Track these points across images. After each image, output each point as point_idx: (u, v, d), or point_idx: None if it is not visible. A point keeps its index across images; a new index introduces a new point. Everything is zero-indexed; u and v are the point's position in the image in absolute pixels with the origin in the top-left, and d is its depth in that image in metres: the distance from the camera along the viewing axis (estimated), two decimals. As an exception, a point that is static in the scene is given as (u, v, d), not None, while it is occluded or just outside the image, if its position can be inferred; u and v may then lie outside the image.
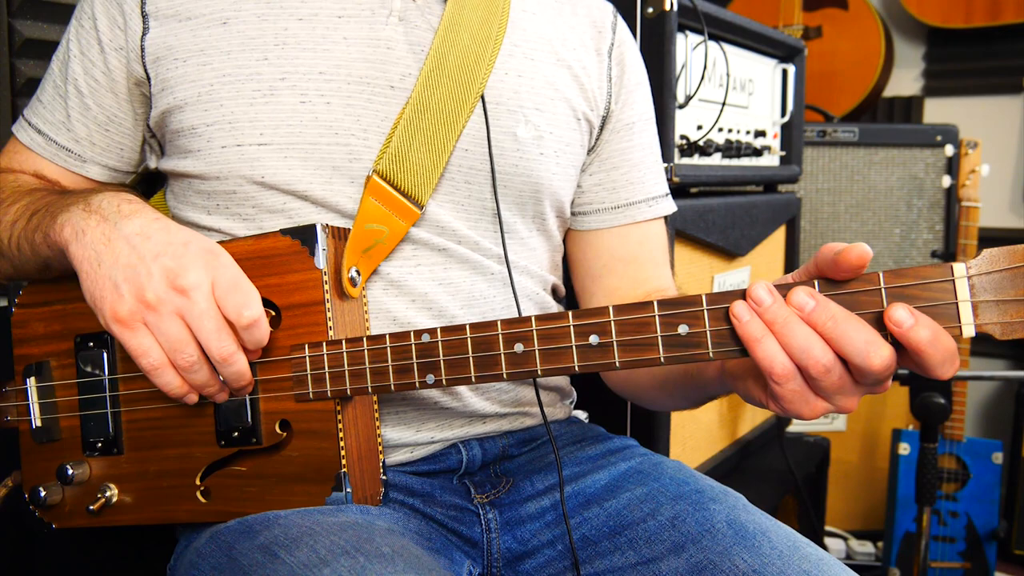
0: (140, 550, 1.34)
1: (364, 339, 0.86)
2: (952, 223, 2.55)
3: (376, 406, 0.94)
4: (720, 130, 1.79)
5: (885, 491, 2.61)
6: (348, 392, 0.87)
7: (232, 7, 0.97)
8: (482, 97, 1.00)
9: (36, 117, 1.06)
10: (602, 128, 1.13)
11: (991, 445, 2.53)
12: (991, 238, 2.89)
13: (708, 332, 0.74)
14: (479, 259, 1.03)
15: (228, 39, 0.96)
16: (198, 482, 0.94)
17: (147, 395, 0.95)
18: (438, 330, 0.83)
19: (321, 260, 0.88)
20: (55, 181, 1.07)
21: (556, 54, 1.08)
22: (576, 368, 0.78)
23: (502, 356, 0.80)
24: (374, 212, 0.95)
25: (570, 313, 0.78)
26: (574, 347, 0.78)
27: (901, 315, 0.68)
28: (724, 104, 1.74)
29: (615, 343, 0.76)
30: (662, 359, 0.75)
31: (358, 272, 0.92)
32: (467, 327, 0.82)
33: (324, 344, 0.87)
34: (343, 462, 0.88)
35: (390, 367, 0.85)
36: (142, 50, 0.98)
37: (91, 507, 0.98)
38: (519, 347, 0.80)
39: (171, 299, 0.83)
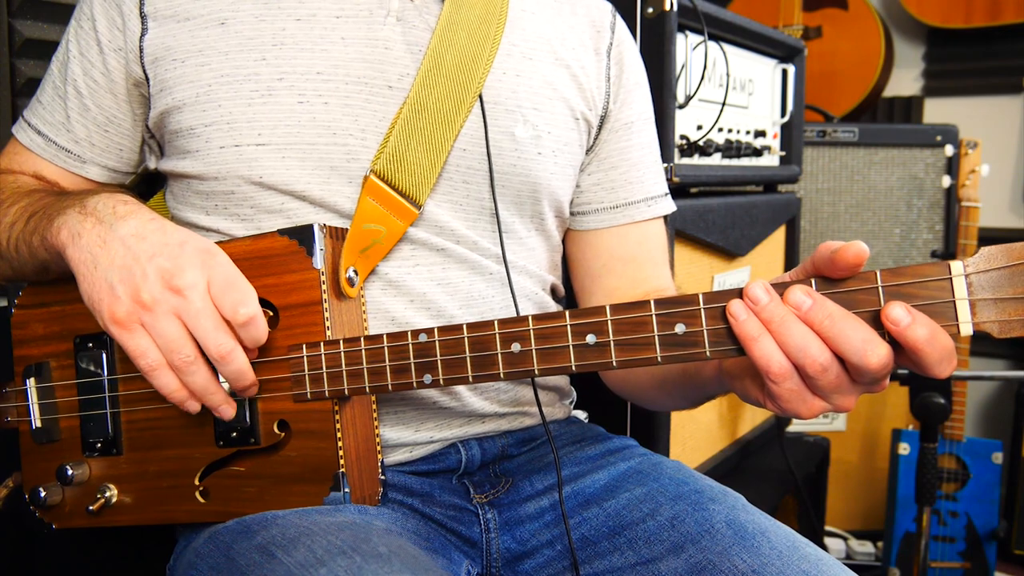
0: (140, 550, 1.34)
1: (362, 339, 0.86)
2: (952, 223, 2.55)
3: (374, 406, 0.94)
4: (720, 130, 1.79)
5: (885, 491, 2.61)
6: (346, 392, 0.87)
7: (230, 8, 0.97)
8: (480, 97, 1.00)
9: (36, 118, 1.07)
10: (600, 128, 1.13)
11: (991, 445, 2.53)
12: (991, 238, 2.89)
13: (705, 331, 0.74)
14: (477, 259, 1.03)
15: (226, 39, 0.96)
16: (197, 482, 0.94)
17: (146, 396, 0.95)
18: (435, 330, 0.83)
19: (319, 260, 0.88)
20: (54, 182, 1.07)
21: (555, 54, 1.08)
22: (573, 368, 0.78)
23: (499, 356, 0.80)
24: (372, 212, 0.95)
25: (567, 312, 0.78)
26: (571, 347, 0.78)
27: (898, 313, 0.67)
28: (724, 104, 1.74)
29: (612, 342, 0.76)
30: (659, 358, 0.75)
31: (356, 272, 0.92)
32: (464, 327, 0.82)
33: (322, 344, 0.87)
34: (341, 462, 0.88)
35: (387, 367, 0.85)
36: (141, 51, 0.99)
37: (91, 507, 0.98)
38: (516, 347, 0.80)
39: (167, 299, 0.83)
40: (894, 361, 0.70)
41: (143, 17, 0.98)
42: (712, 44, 1.70)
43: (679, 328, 0.74)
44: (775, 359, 0.71)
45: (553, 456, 1.06)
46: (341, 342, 0.86)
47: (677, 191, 1.52)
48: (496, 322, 0.80)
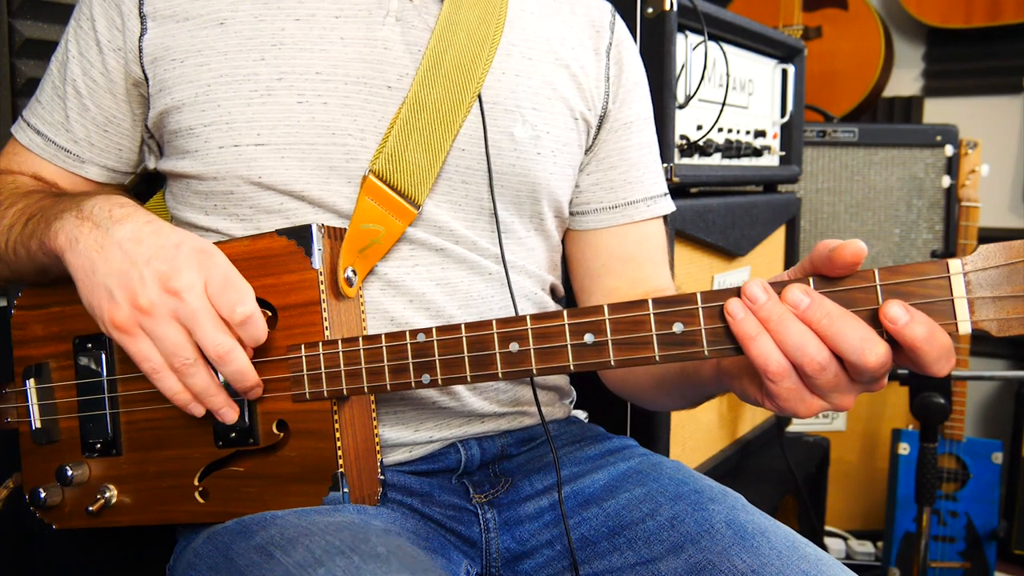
0: (140, 550, 1.34)
1: (360, 339, 0.86)
2: (952, 223, 2.55)
3: (373, 406, 0.94)
4: (720, 130, 1.79)
5: (885, 491, 2.61)
6: (344, 392, 0.87)
7: (229, 8, 0.97)
8: (479, 97, 1.00)
9: (35, 118, 1.07)
10: (600, 128, 1.13)
11: (991, 445, 2.53)
12: (991, 238, 2.88)
13: (703, 330, 0.74)
14: (477, 259, 1.03)
15: (225, 39, 0.96)
16: (196, 483, 0.94)
17: (146, 396, 0.95)
18: (433, 330, 0.83)
19: (317, 260, 0.88)
20: (53, 182, 1.07)
21: (554, 53, 1.08)
22: (571, 367, 0.78)
23: (497, 355, 0.80)
24: (370, 212, 0.95)
25: (565, 312, 0.78)
26: (569, 346, 0.78)
27: (896, 312, 0.67)
28: (724, 104, 1.74)
29: (610, 342, 0.76)
30: (657, 357, 0.75)
31: (354, 272, 0.92)
32: (462, 327, 0.82)
33: (320, 344, 0.87)
34: (340, 462, 0.88)
35: (386, 367, 0.85)
36: (140, 51, 0.99)
37: (90, 508, 0.98)
38: (514, 346, 0.80)
39: (164, 302, 0.83)
40: (893, 360, 0.70)
41: (142, 17, 0.98)
42: (712, 44, 1.70)
43: (677, 327, 0.74)
44: (773, 358, 0.71)
45: (552, 456, 1.06)
46: (339, 342, 0.86)
47: (677, 191, 1.52)
48: (494, 322, 0.80)
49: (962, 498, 2.52)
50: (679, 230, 1.62)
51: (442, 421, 1.03)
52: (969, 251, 2.40)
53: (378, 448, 0.94)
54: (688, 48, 1.62)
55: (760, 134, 1.97)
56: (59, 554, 1.35)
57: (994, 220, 3.13)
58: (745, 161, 1.90)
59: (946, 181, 2.54)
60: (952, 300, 0.68)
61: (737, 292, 0.72)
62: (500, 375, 0.80)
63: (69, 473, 0.99)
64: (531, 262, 1.10)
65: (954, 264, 0.67)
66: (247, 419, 0.90)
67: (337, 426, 0.88)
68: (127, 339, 0.84)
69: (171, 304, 0.83)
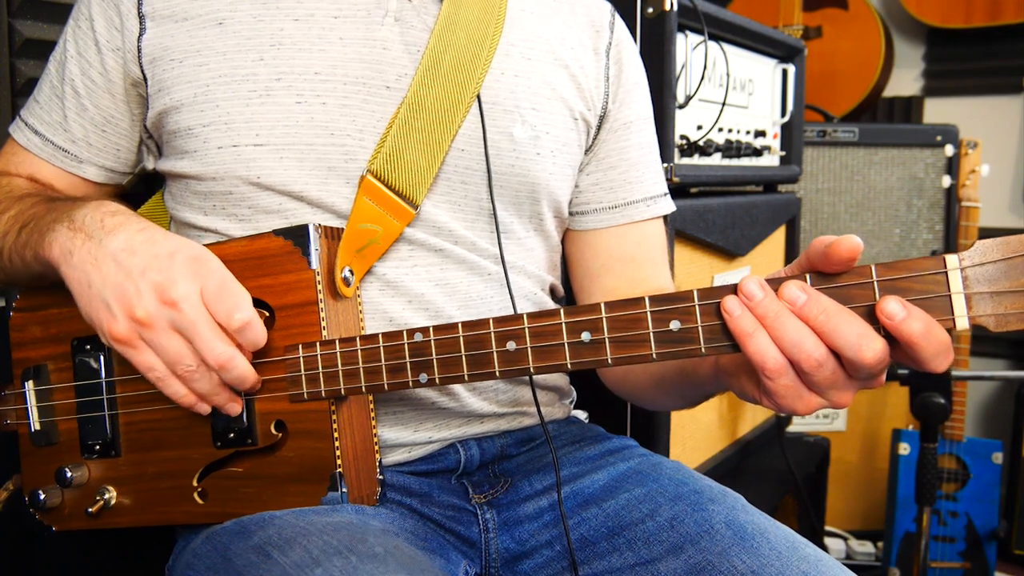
0: (139, 551, 1.34)
1: (357, 339, 0.86)
2: (952, 223, 2.55)
3: (372, 406, 0.94)
4: (720, 130, 1.79)
5: (885, 491, 2.61)
6: (342, 392, 0.87)
7: (228, 8, 0.97)
8: (478, 97, 1.00)
9: (33, 117, 1.06)
10: (599, 128, 1.13)
11: (991, 445, 2.53)
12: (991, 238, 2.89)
13: (700, 328, 0.73)
14: (476, 259, 1.03)
15: (224, 40, 0.96)
16: (195, 483, 0.94)
17: (144, 397, 0.95)
18: (430, 329, 0.83)
19: (314, 260, 0.88)
20: (48, 184, 1.07)
21: (554, 53, 1.08)
22: (569, 365, 0.78)
23: (494, 354, 0.80)
24: (368, 212, 0.95)
25: (562, 310, 0.77)
26: (566, 344, 0.77)
27: (893, 308, 0.67)
28: (724, 104, 1.74)
29: (607, 340, 0.76)
30: (654, 355, 0.75)
31: (352, 272, 0.92)
32: (459, 325, 0.82)
33: (318, 344, 0.87)
34: (338, 462, 0.88)
35: (383, 367, 0.85)
36: (139, 51, 0.98)
37: (90, 509, 0.98)
38: (511, 345, 0.79)
39: (162, 314, 0.83)
40: (890, 356, 0.69)
41: (141, 17, 0.98)
42: (712, 44, 1.70)
43: (674, 325, 0.74)
44: (770, 355, 0.71)
45: (552, 457, 1.06)
46: (337, 342, 0.86)
47: (677, 191, 1.52)
48: (491, 320, 0.80)
49: (962, 498, 2.52)
50: (679, 230, 1.62)
51: (441, 422, 1.03)
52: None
53: (377, 448, 0.94)
54: (688, 48, 1.62)
55: (760, 134, 1.97)
56: (59, 555, 1.35)
57: (994, 220, 3.13)
58: (745, 161, 1.90)
59: (946, 181, 2.54)
60: (949, 296, 0.67)
61: (734, 289, 0.72)
62: (497, 374, 0.80)
63: (68, 475, 0.99)
64: (530, 262, 1.10)
65: (951, 259, 0.67)
66: (245, 419, 0.90)
67: (335, 426, 0.88)
68: (130, 351, 0.85)
69: (168, 315, 0.83)
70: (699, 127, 1.71)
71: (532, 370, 0.79)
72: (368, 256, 0.95)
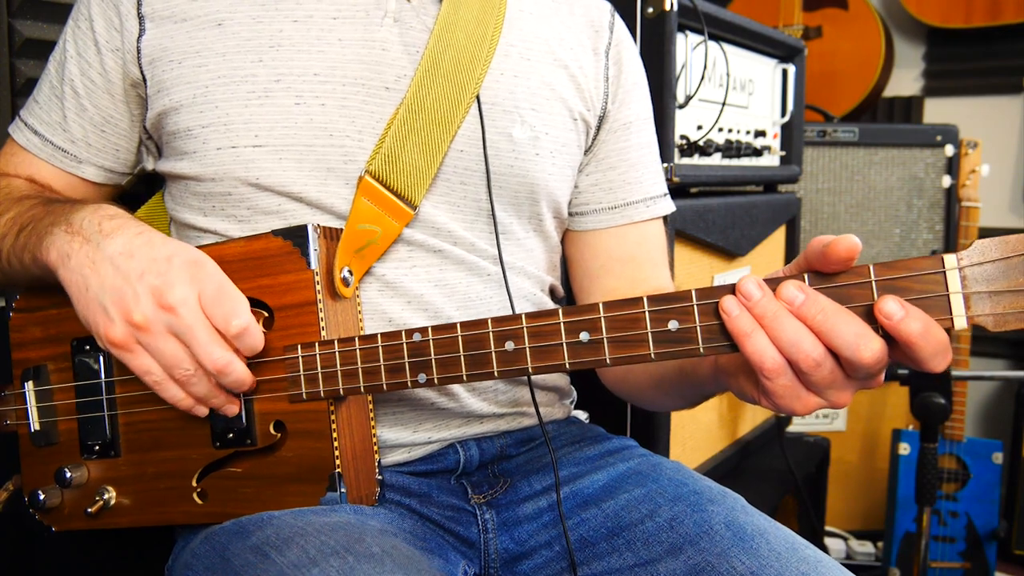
0: (139, 551, 1.34)
1: (356, 339, 0.86)
2: (952, 223, 2.55)
3: (371, 406, 0.94)
4: (720, 130, 1.79)
5: (885, 491, 2.61)
6: (341, 392, 0.87)
7: (227, 9, 0.97)
8: (477, 97, 1.00)
9: (32, 117, 1.06)
10: (599, 128, 1.13)
11: (991, 445, 2.53)
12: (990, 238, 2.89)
13: (698, 327, 0.73)
14: (475, 260, 1.03)
15: (223, 41, 0.96)
16: (194, 483, 0.94)
17: (143, 397, 0.95)
18: (429, 329, 0.83)
19: (313, 261, 0.88)
20: (47, 184, 1.07)
21: (553, 54, 1.08)
22: (567, 365, 0.78)
23: (493, 354, 0.80)
24: (366, 212, 0.95)
25: (560, 310, 0.77)
26: (564, 344, 0.77)
27: (891, 307, 0.67)
28: (724, 104, 1.74)
29: (605, 339, 0.76)
30: (652, 355, 0.75)
31: (351, 272, 0.92)
32: (458, 325, 0.82)
33: (316, 344, 0.87)
34: (337, 462, 0.88)
35: (382, 367, 0.85)
36: (138, 51, 0.98)
37: (89, 510, 0.98)
38: (510, 345, 0.79)
39: (159, 318, 0.83)
40: (889, 356, 0.69)
41: (141, 18, 0.98)
42: (712, 44, 1.70)
43: (672, 325, 0.74)
44: (768, 355, 0.71)
45: (551, 457, 1.06)
46: (336, 342, 0.86)
47: (677, 191, 1.52)
48: (490, 320, 0.80)
49: (962, 498, 2.52)
50: (679, 230, 1.62)
51: (441, 422, 1.03)
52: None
53: (376, 448, 0.94)
54: (688, 48, 1.62)
55: (760, 134, 1.97)
56: (59, 555, 1.35)
57: (994, 220, 3.13)
58: (745, 161, 1.90)
59: (946, 181, 2.54)
60: (948, 295, 0.67)
61: (732, 289, 0.72)
62: (496, 374, 0.80)
63: (68, 475, 0.99)
64: (530, 263, 1.10)
65: (949, 259, 0.67)
66: (244, 420, 0.90)
67: (334, 426, 0.88)
68: (126, 355, 0.85)
69: (166, 319, 0.83)
70: (699, 127, 1.71)
71: (531, 370, 0.79)
72: (367, 256, 0.95)
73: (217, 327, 0.84)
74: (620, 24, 1.17)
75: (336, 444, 0.88)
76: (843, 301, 0.70)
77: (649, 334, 0.75)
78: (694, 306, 0.73)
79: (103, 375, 0.98)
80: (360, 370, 0.86)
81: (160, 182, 1.10)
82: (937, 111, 3.33)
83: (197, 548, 0.90)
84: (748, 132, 1.92)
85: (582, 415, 1.37)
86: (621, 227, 1.15)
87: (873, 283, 0.69)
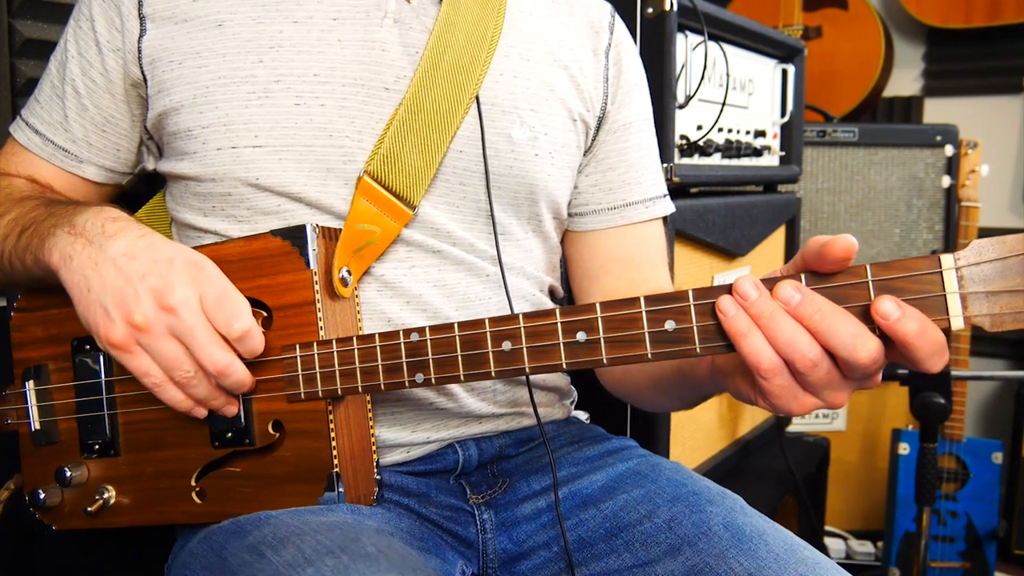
0: (139, 550, 1.34)
1: (354, 339, 0.86)
2: (952, 223, 2.55)
3: (369, 406, 0.94)
4: (720, 130, 1.79)
5: (885, 491, 2.61)
6: (339, 392, 0.87)
7: (228, 10, 0.97)
8: (477, 98, 1.00)
9: (33, 117, 1.07)
10: (598, 129, 1.13)
11: (991, 445, 2.53)
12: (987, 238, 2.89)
13: (695, 328, 0.73)
14: (474, 261, 1.03)
15: (223, 41, 0.96)
16: (193, 483, 0.94)
17: (143, 397, 0.95)
18: (426, 329, 0.83)
19: (311, 261, 0.88)
20: (48, 184, 1.07)
21: (553, 55, 1.08)
22: (564, 365, 0.78)
23: (490, 354, 0.80)
24: (365, 212, 0.95)
25: (557, 310, 0.78)
26: (562, 344, 0.77)
27: (888, 307, 0.67)
28: (724, 104, 1.74)
29: (602, 339, 0.76)
30: (649, 355, 0.75)
31: (349, 272, 0.92)
32: (455, 325, 0.82)
33: (315, 344, 0.87)
34: (335, 462, 0.88)
35: (380, 367, 0.85)
36: (139, 52, 0.99)
37: (89, 509, 0.98)
38: (507, 345, 0.79)
39: (160, 319, 0.83)
40: (885, 356, 0.69)
41: (142, 18, 0.98)
42: (712, 44, 1.70)
43: (669, 325, 0.74)
44: (765, 355, 0.70)
45: (549, 457, 1.06)
46: (334, 342, 0.87)
47: (677, 191, 1.52)
48: (487, 320, 0.80)
49: (962, 498, 2.52)
50: (679, 230, 1.62)
51: (440, 422, 1.03)
52: (967, 250, 2.41)
53: (374, 448, 0.94)
54: (688, 48, 1.63)
55: (760, 134, 1.97)
56: (59, 554, 1.35)
57: (994, 220, 3.13)
58: (745, 161, 1.90)
59: (946, 181, 2.54)
60: (944, 295, 0.67)
61: (729, 289, 0.72)
62: (493, 374, 0.80)
63: (68, 474, 0.99)
64: (529, 263, 1.10)
65: (946, 259, 0.67)
66: (243, 419, 0.90)
67: (332, 426, 0.88)
68: (126, 356, 0.85)
69: (167, 321, 0.83)
70: (699, 127, 1.71)
71: (528, 370, 0.79)
72: (366, 257, 0.95)
73: (219, 330, 0.84)
74: (620, 25, 1.17)
75: (334, 444, 0.88)
76: (840, 301, 0.69)
77: (646, 334, 0.74)
78: (691, 306, 0.73)
79: (103, 375, 0.98)
80: (358, 370, 0.86)
81: (161, 182, 1.10)
82: (937, 111, 3.33)
83: (195, 548, 0.90)
84: (748, 132, 1.92)
85: (582, 415, 1.37)
86: (620, 228, 1.15)
87: (870, 283, 0.69)
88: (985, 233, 2.53)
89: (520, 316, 0.79)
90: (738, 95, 1.86)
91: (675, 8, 1.53)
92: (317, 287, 0.88)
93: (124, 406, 0.98)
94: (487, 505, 1.05)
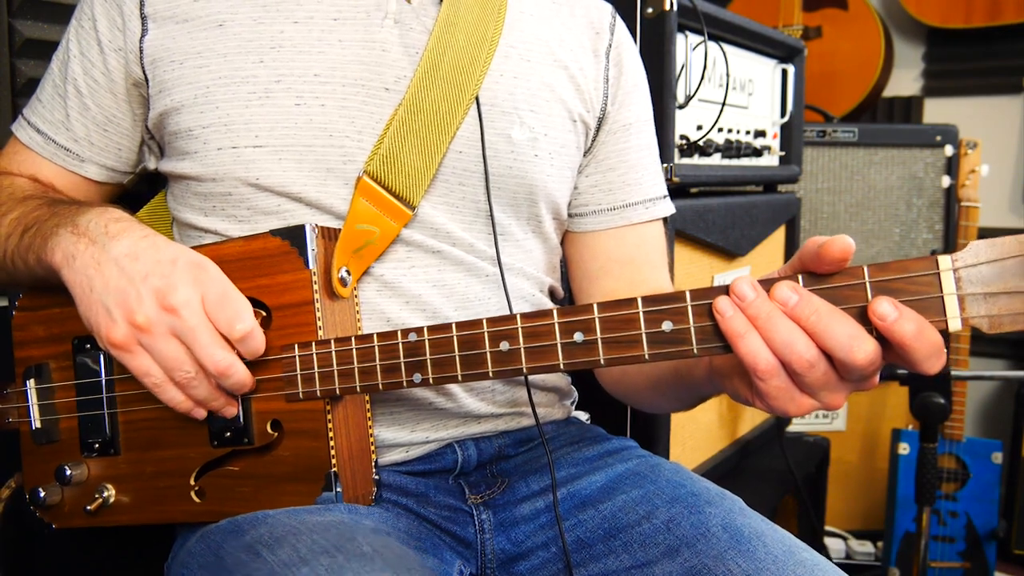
0: (140, 549, 1.34)
1: (352, 339, 0.86)
2: (952, 223, 2.55)
3: (368, 406, 0.94)
4: (720, 130, 1.79)
5: (885, 491, 2.61)
6: (337, 391, 0.87)
7: (229, 10, 0.97)
8: (476, 99, 1.00)
9: (35, 116, 1.07)
10: (598, 130, 1.13)
11: (991, 445, 2.53)
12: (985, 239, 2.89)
13: (692, 328, 0.73)
14: (473, 261, 1.04)
15: (224, 41, 0.97)
16: (193, 482, 0.95)
17: (142, 396, 0.95)
18: (424, 329, 0.83)
19: (310, 261, 0.89)
20: (50, 183, 1.07)
21: (553, 55, 1.08)
22: (561, 366, 0.78)
23: (488, 354, 0.80)
24: (364, 212, 0.95)
25: (555, 310, 0.77)
26: (559, 344, 0.77)
27: (885, 309, 0.66)
28: (724, 104, 1.74)
29: (599, 340, 0.76)
30: (646, 356, 0.74)
31: (348, 272, 0.92)
32: (453, 326, 0.82)
33: (313, 344, 0.87)
34: (333, 462, 0.88)
35: (378, 366, 0.85)
36: (140, 52, 0.99)
37: (88, 507, 0.99)
38: (505, 345, 0.79)
39: (162, 319, 0.83)
40: (883, 357, 0.69)
41: (143, 18, 0.99)
42: (712, 44, 1.70)
43: (666, 325, 0.74)
44: (761, 356, 0.70)
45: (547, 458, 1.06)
46: (332, 342, 0.87)
47: (677, 191, 1.52)
48: (485, 321, 0.80)
49: (962, 498, 2.52)
50: (679, 230, 1.62)
51: (439, 422, 1.03)
52: (967, 251, 2.41)
53: (373, 449, 0.94)
54: (688, 48, 1.63)
55: (760, 134, 1.98)
56: (60, 553, 1.35)
57: (994, 220, 3.13)
58: (745, 161, 1.90)
59: (946, 181, 2.54)
60: (942, 297, 0.67)
61: (726, 290, 0.72)
62: (491, 374, 0.80)
63: (68, 473, 0.99)
64: (529, 264, 1.10)
65: (944, 260, 0.66)
66: (242, 419, 0.91)
67: (330, 426, 0.88)
68: (126, 356, 0.85)
69: (168, 321, 0.83)
70: (699, 127, 1.71)
71: (525, 370, 0.79)
72: (365, 257, 0.95)
73: (221, 330, 0.85)
74: (621, 26, 1.17)
75: (332, 444, 0.88)
76: (837, 302, 0.69)
77: (643, 335, 0.74)
78: (688, 307, 0.73)
79: (103, 374, 0.98)
80: (356, 370, 0.86)
81: (162, 182, 1.11)
82: (937, 111, 3.33)
83: (193, 547, 0.90)
84: (748, 132, 1.92)
85: (583, 416, 1.37)
86: (620, 228, 1.15)
87: (867, 284, 0.69)
88: (985, 233, 2.53)
89: (518, 316, 0.79)
90: (738, 95, 1.86)
91: (675, 8, 1.53)
92: (316, 287, 0.89)
93: (124, 405, 0.98)
94: (486, 505, 1.05)
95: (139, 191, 1.18)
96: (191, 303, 0.84)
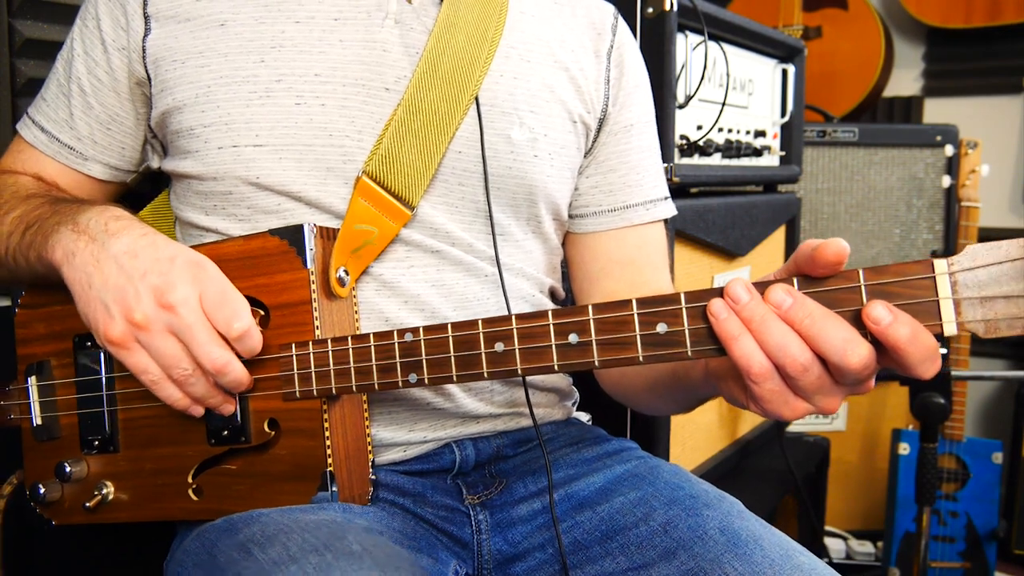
0: (139, 546, 1.35)
1: (349, 339, 0.86)
2: (952, 223, 2.55)
3: (366, 406, 0.94)
4: (720, 130, 1.79)
5: (885, 491, 2.61)
6: (334, 391, 0.87)
7: (230, 10, 0.98)
8: (476, 99, 1.00)
9: (39, 115, 1.07)
10: (599, 130, 1.13)
11: (991, 445, 2.53)
12: (991, 238, 2.88)
13: (687, 330, 0.73)
14: (472, 261, 1.04)
15: (226, 41, 0.97)
16: (190, 480, 0.95)
17: (142, 393, 0.95)
18: (420, 329, 0.83)
19: (308, 260, 0.89)
20: (53, 182, 1.07)
21: (553, 56, 1.08)
22: (556, 367, 0.77)
23: (483, 355, 0.80)
24: (363, 212, 0.95)
25: (550, 312, 0.78)
26: (554, 346, 0.77)
27: (879, 312, 0.66)
28: (724, 104, 1.74)
29: (594, 342, 0.76)
30: (641, 358, 0.74)
31: (347, 272, 0.93)
32: (449, 326, 0.82)
33: (310, 344, 0.88)
34: (329, 461, 0.88)
35: (374, 366, 0.85)
36: (143, 51, 0.99)
37: (87, 504, 0.99)
38: (500, 346, 0.80)
39: (160, 317, 0.84)
40: (877, 361, 0.69)
41: (146, 17, 0.99)
42: (712, 44, 1.71)
43: (661, 327, 0.74)
44: (755, 359, 0.70)
45: (545, 459, 1.06)
46: (329, 341, 0.87)
47: (677, 191, 1.52)
48: (480, 321, 0.80)
49: (962, 498, 2.52)
50: (679, 230, 1.62)
51: (436, 422, 1.03)
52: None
53: (370, 448, 0.94)
54: (688, 48, 1.63)
55: (760, 134, 1.98)
56: (60, 549, 1.36)
57: (994, 220, 3.13)
58: (745, 161, 1.90)
59: (946, 181, 2.54)
60: (937, 301, 0.66)
61: (720, 292, 0.72)
62: (486, 375, 0.81)
63: (68, 469, 1.00)
64: (528, 264, 1.10)
65: (940, 264, 0.66)
66: (239, 418, 0.91)
67: (327, 425, 0.89)
68: (124, 353, 0.86)
69: (166, 318, 0.84)
70: (699, 127, 1.72)
71: (520, 371, 0.79)
72: (364, 256, 0.95)
73: (218, 329, 0.85)
74: (623, 26, 1.17)
75: (328, 443, 0.88)
76: (832, 305, 0.69)
77: (638, 337, 0.74)
78: (683, 309, 0.73)
79: (103, 371, 0.99)
80: (352, 369, 0.86)
81: (165, 181, 1.11)
82: (937, 111, 3.33)
83: (189, 545, 0.90)
84: (748, 132, 1.92)
85: (584, 416, 1.37)
86: (621, 229, 1.15)
87: (863, 287, 0.68)
88: (985, 233, 2.54)
89: (513, 318, 0.79)
90: (738, 95, 1.87)
91: (675, 8, 1.53)
92: (314, 287, 0.89)
93: (124, 403, 0.98)
94: (483, 506, 1.05)
95: (142, 190, 1.18)
96: (189, 301, 0.84)
